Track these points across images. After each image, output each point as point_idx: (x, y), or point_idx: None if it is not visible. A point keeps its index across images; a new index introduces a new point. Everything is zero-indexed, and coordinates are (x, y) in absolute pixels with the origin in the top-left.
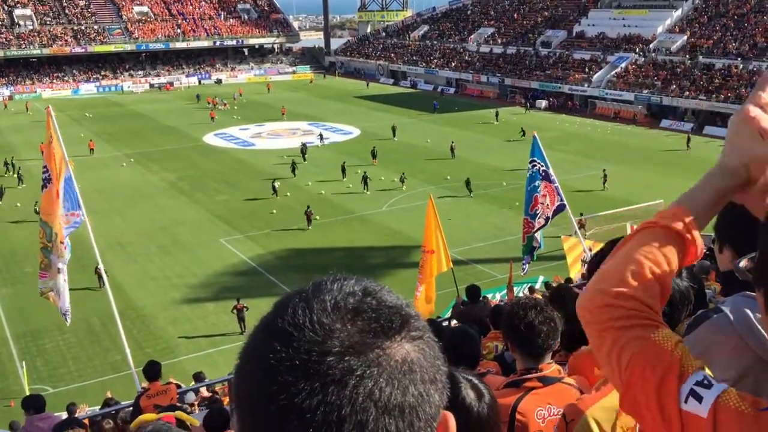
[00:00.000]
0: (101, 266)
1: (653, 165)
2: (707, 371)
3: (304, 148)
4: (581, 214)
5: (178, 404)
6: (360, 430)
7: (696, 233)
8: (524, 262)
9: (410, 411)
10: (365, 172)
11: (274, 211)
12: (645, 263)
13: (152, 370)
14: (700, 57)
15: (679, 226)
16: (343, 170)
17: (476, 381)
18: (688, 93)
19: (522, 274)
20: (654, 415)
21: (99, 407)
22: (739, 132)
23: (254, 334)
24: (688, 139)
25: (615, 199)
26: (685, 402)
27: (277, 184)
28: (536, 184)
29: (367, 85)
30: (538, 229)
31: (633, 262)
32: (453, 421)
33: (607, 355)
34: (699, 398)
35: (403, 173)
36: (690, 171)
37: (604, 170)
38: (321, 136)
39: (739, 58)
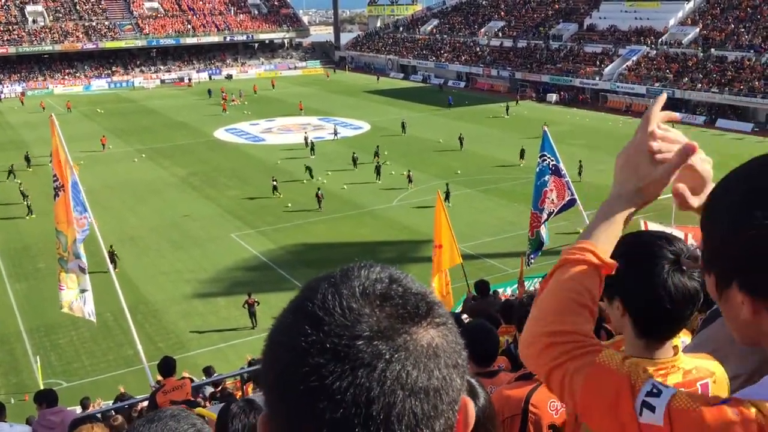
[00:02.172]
0: (105, 253)
1: None
2: (655, 379)
3: (308, 142)
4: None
5: (193, 399)
6: (388, 411)
7: (604, 256)
8: (531, 256)
9: (435, 394)
10: (378, 162)
11: (281, 195)
12: (568, 297)
13: (167, 366)
14: (713, 49)
15: (587, 255)
16: (354, 162)
17: (473, 382)
18: (700, 86)
19: (527, 267)
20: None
21: (112, 402)
22: (632, 160)
23: (283, 318)
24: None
25: None
26: (641, 415)
27: (275, 183)
28: (545, 178)
29: (378, 79)
30: (542, 225)
31: (559, 300)
32: (472, 405)
33: (559, 392)
34: (652, 408)
35: (410, 171)
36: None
37: (580, 161)
38: (335, 132)
39: (752, 51)
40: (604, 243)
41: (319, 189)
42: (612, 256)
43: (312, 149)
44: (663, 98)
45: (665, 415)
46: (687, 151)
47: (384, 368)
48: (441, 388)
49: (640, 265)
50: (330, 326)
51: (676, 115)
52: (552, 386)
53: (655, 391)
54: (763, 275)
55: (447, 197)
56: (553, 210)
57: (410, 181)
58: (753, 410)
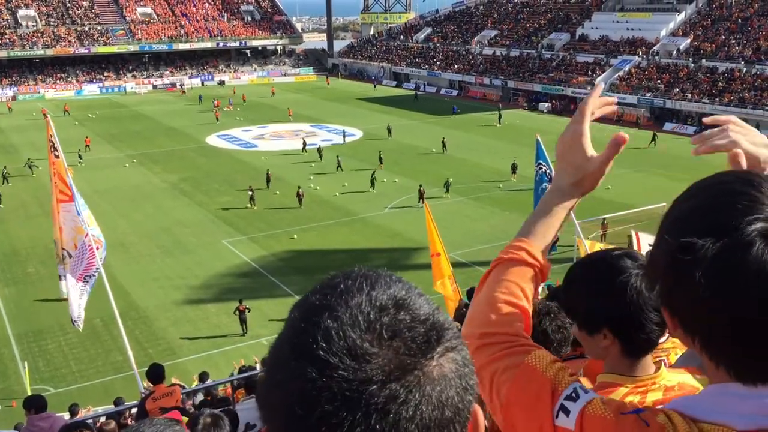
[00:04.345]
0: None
1: (656, 168)
2: (581, 383)
3: (317, 149)
4: (604, 220)
5: (183, 408)
6: None
7: (537, 255)
8: None
9: (449, 423)
10: (374, 172)
11: (255, 207)
12: (501, 297)
13: (156, 373)
14: (704, 60)
15: (521, 254)
16: (339, 166)
17: None
18: (690, 96)
19: None
20: None
21: (101, 408)
22: (568, 153)
23: (283, 357)
24: (653, 137)
25: (618, 202)
26: (557, 417)
27: (251, 193)
28: (544, 186)
29: (375, 87)
30: None
31: (490, 301)
32: (481, 413)
33: (489, 391)
34: (567, 412)
35: (449, 180)
36: (692, 172)
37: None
38: (344, 136)
39: (743, 62)
40: (541, 238)
41: (299, 187)
42: (577, 287)
43: (320, 154)
44: (599, 89)
45: (577, 420)
46: (617, 142)
47: (398, 411)
48: (454, 416)
49: (610, 286)
50: (338, 371)
51: (612, 99)
52: (483, 385)
53: (574, 395)
54: (677, 298)
55: (421, 198)
56: None
57: (448, 188)
58: (662, 418)
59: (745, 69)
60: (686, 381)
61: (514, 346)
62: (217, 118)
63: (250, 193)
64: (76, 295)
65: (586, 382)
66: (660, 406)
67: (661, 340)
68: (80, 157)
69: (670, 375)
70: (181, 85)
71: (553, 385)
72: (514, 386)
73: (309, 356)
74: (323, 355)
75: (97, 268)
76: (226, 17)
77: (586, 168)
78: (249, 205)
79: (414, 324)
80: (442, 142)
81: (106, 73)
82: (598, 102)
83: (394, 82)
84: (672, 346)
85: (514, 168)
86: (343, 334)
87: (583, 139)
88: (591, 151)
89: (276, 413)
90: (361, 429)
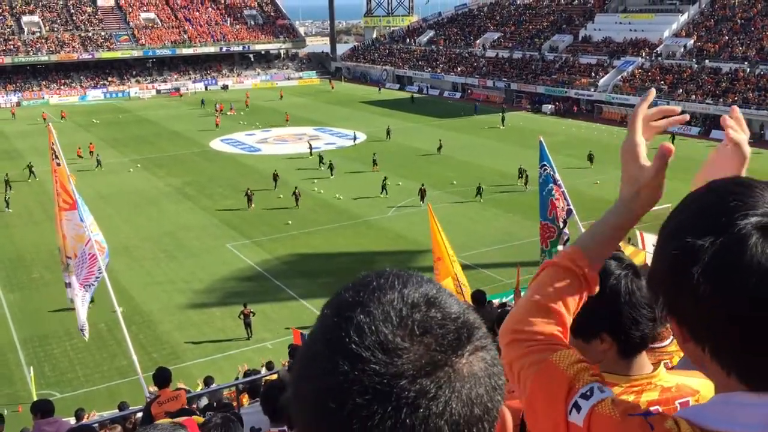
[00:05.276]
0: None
1: None
2: (600, 384)
3: (319, 156)
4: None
5: (188, 409)
6: None
7: (583, 263)
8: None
9: (478, 421)
10: (385, 177)
11: (253, 206)
12: (536, 299)
13: (162, 377)
14: (707, 61)
15: (566, 262)
16: (331, 168)
17: None
18: (694, 97)
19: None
20: (549, 428)
21: (106, 413)
22: (625, 163)
23: (316, 351)
24: None
25: None
26: (569, 414)
27: (249, 194)
28: (550, 187)
29: (379, 90)
30: (559, 233)
31: (527, 302)
32: (509, 415)
33: (517, 384)
34: (579, 408)
35: (423, 185)
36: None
37: (525, 171)
38: (354, 138)
39: (746, 62)
40: (595, 249)
41: (296, 187)
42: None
43: (321, 161)
44: (651, 94)
45: (586, 417)
46: (663, 154)
47: (428, 406)
48: (483, 414)
49: (602, 292)
50: (370, 365)
51: (676, 108)
52: (512, 378)
53: (588, 393)
54: (681, 304)
55: (422, 197)
56: (565, 218)
57: (422, 198)
58: (670, 423)
59: (748, 69)
60: (686, 383)
61: (543, 343)
62: (217, 125)
63: (248, 194)
64: (79, 303)
65: None
66: (677, 415)
67: (665, 343)
68: (99, 163)
69: (668, 376)
70: (178, 89)
71: (571, 382)
72: (536, 382)
73: (341, 350)
74: (355, 348)
75: (97, 277)
76: (229, 22)
77: (640, 179)
78: (249, 206)
79: (445, 321)
80: (439, 143)
81: (110, 79)
82: (654, 111)
83: (397, 85)
84: (675, 349)
85: (521, 172)
86: (375, 328)
87: (635, 148)
88: (644, 161)
89: (308, 406)
90: (391, 422)
